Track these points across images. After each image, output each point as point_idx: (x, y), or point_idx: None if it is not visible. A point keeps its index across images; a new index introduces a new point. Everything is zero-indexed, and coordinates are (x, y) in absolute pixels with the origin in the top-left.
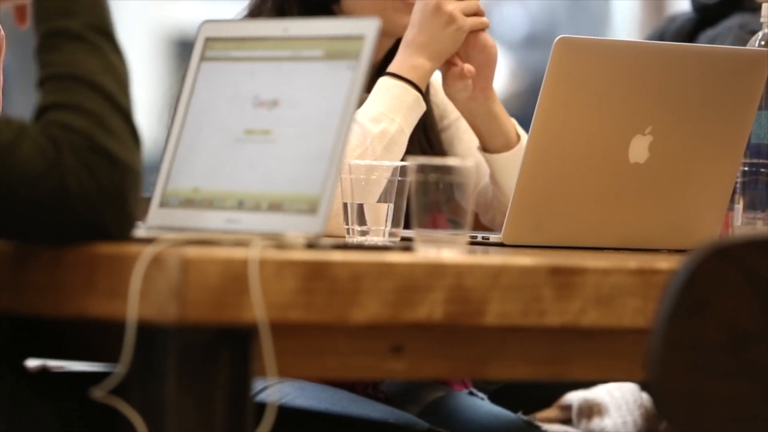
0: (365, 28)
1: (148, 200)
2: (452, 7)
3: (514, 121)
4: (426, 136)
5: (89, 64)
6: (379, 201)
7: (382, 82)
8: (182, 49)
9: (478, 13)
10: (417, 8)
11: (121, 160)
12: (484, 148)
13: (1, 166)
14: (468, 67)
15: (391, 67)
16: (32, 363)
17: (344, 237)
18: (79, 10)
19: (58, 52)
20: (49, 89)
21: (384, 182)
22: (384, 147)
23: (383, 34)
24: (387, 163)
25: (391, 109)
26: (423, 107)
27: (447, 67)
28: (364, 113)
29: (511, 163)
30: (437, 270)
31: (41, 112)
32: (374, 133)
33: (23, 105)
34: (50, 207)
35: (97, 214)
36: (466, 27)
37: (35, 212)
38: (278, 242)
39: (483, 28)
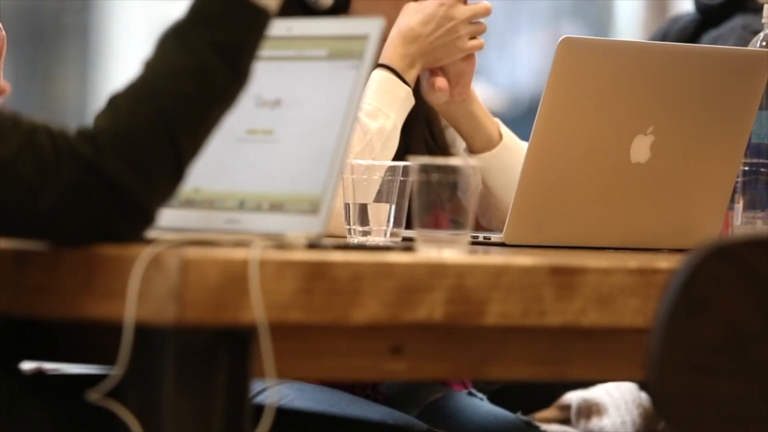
0: (369, 28)
1: None
2: (463, 17)
3: (497, 120)
4: (430, 131)
5: (182, 88)
6: (380, 201)
7: (376, 74)
8: None
9: (479, 32)
10: (432, 3)
11: (128, 196)
12: (468, 149)
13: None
14: (440, 84)
15: (385, 58)
16: (28, 365)
17: (345, 237)
18: (219, 21)
19: (172, 56)
20: (131, 90)
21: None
22: (382, 144)
23: None
24: (389, 162)
25: (386, 104)
26: (413, 101)
27: (428, 73)
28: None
29: (493, 162)
30: (438, 270)
31: (109, 100)
32: (373, 129)
33: (23, 105)
34: (45, 225)
35: (90, 239)
36: (465, 49)
37: (31, 227)
38: (279, 242)
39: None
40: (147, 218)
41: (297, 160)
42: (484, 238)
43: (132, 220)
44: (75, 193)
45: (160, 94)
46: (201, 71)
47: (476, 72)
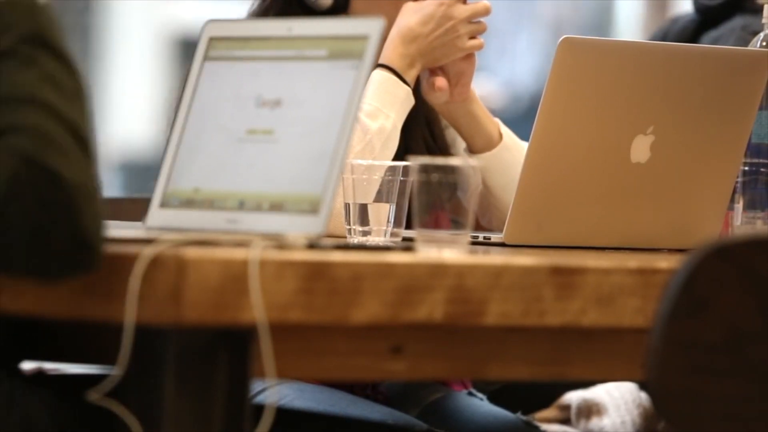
0: (369, 28)
1: (149, 201)
2: (462, 17)
3: (498, 121)
4: (430, 131)
5: (23, 78)
6: (380, 201)
7: (376, 74)
8: (185, 49)
9: (479, 31)
10: (431, 2)
11: (66, 177)
12: (468, 149)
13: None
14: (440, 84)
15: (384, 58)
16: (28, 365)
17: (345, 237)
18: (11, 22)
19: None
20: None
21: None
22: (382, 144)
23: None
24: (389, 162)
25: (386, 105)
26: (412, 101)
27: (428, 72)
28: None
29: (493, 162)
30: (438, 270)
31: None
32: (372, 129)
33: None
34: None
35: (44, 237)
36: (465, 48)
37: None
38: (279, 242)
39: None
40: (94, 201)
41: (297, 160)
42: (484, 238)
43: (85, 206)
44: (22, 198)
45: (23, 97)
46: (29, 62)
47: (476, 71)
